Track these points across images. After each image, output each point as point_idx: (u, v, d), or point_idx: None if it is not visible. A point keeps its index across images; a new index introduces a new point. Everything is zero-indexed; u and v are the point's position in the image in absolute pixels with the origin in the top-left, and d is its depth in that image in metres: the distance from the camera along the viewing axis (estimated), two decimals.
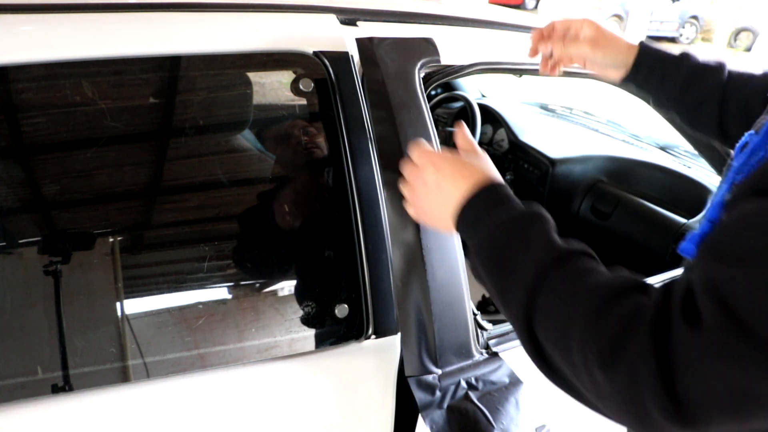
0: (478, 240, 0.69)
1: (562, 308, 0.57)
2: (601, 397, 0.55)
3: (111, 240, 0.89)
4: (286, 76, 1.01)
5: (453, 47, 1.12)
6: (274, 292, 0.98)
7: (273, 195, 1.00)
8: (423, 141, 0.93)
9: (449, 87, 2.81)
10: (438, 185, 0.77)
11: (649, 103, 1.12)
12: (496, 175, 0.78)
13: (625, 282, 0.57)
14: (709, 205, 0.68)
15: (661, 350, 0.49)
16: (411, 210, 0.85)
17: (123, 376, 0.86)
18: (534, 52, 1.05)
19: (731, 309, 0.46)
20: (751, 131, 0.66)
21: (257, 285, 0.99)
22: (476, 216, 0.71)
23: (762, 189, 0.51)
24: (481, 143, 2.51)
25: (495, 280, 0.66)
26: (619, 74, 1.01)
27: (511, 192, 0.73)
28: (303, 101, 1.00)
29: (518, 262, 0.63)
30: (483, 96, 2.86)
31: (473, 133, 2.30)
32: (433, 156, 0.80)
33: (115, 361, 0.86)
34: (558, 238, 0.64)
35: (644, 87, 1.02)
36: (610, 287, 0.56)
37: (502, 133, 2.46)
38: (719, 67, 0.97)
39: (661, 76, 0.99)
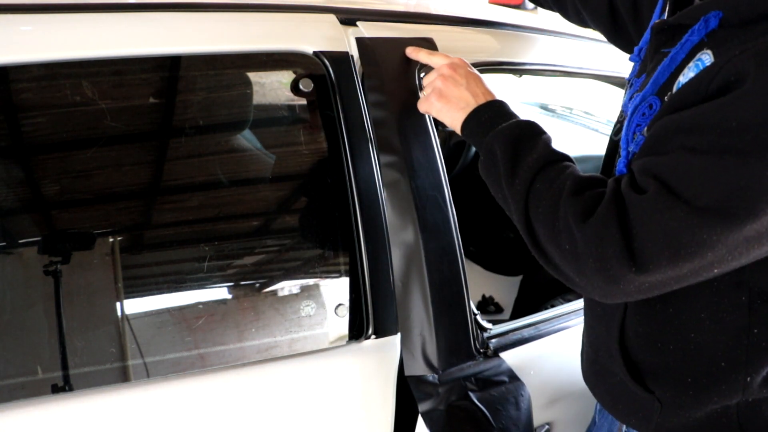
0: (493, 135, 0.86)
1: (554, 187, 0.76)
2: (576, 256, 0.71)
3: (111, 240, 0.89)
4: (286, 76, 1.01)
5: (453, 47, 1.12)
6: (274, 292, 0.98)
7: (273, 195, 1.00)
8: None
9: None
10: (468, 82, 0.95)
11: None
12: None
13: (596, 175, 0.79)
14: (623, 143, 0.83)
15: (621, 212, 0.68)
16: (432, 99, 0.96)
17: (123, 376, 0.87)
18: None
19: (662, 180, 0.67)
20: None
21: (257, 285, 0.99)
22: (491, 117, 0.89)
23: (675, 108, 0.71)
24: None
25: (505, 163, 0.83)
26: None
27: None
28: (303, 101, 1.00)
29: (527, 154, 0.82)
30: None
31: None
32: (465, 62, 1.00)
33: (115, 361, 0.86)
34: (552, 144, 0.86)
35: None
36: (588, 177, 0.77)
37: None
38: None
39: None
